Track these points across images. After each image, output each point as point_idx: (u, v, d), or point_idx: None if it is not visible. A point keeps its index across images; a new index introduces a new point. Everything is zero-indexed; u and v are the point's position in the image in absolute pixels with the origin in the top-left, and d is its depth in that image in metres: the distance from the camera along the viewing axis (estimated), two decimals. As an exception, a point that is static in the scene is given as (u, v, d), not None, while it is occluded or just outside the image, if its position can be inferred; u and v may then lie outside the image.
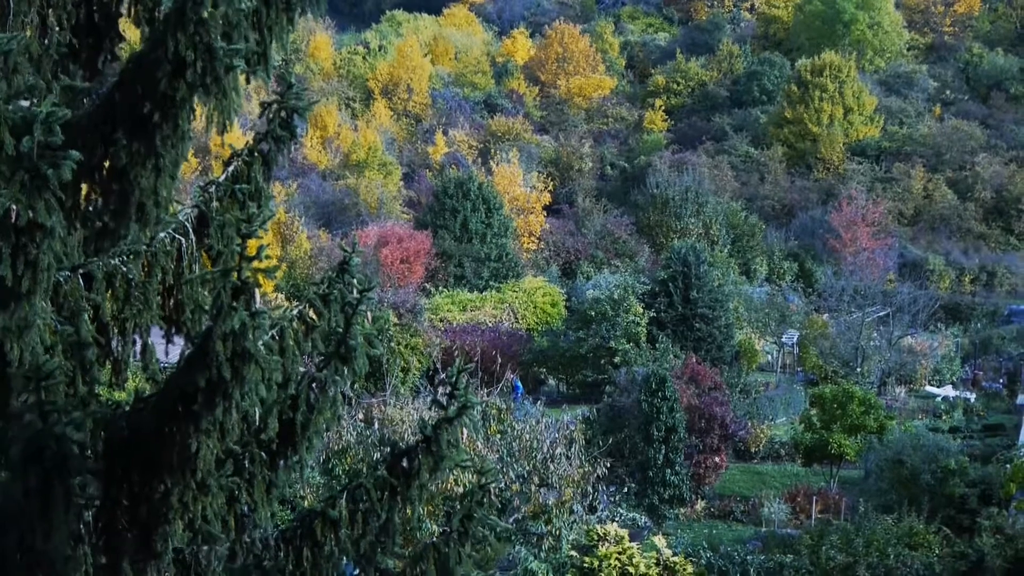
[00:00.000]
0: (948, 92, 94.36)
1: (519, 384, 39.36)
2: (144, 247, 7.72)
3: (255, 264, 6.44)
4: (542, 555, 21.81)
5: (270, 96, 8.09)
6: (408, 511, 8.10)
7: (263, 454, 7.45)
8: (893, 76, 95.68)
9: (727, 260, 60.18)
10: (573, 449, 24.17)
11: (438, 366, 33.53)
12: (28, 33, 7.39)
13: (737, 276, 58.89)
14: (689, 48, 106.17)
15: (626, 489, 28.17)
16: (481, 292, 53.73)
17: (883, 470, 28.50)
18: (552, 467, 23.33)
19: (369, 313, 7.80)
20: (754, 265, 65.36)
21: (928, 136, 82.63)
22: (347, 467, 21.66)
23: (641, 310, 43.60)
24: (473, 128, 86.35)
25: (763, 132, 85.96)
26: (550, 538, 22.52)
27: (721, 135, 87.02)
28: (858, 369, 44.70)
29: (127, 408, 7.19)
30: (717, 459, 31.39)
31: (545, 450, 23.49)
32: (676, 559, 19.76)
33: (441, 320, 48.48)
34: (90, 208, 7.21)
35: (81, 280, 7.47)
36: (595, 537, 20.08)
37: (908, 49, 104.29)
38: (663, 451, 28.79)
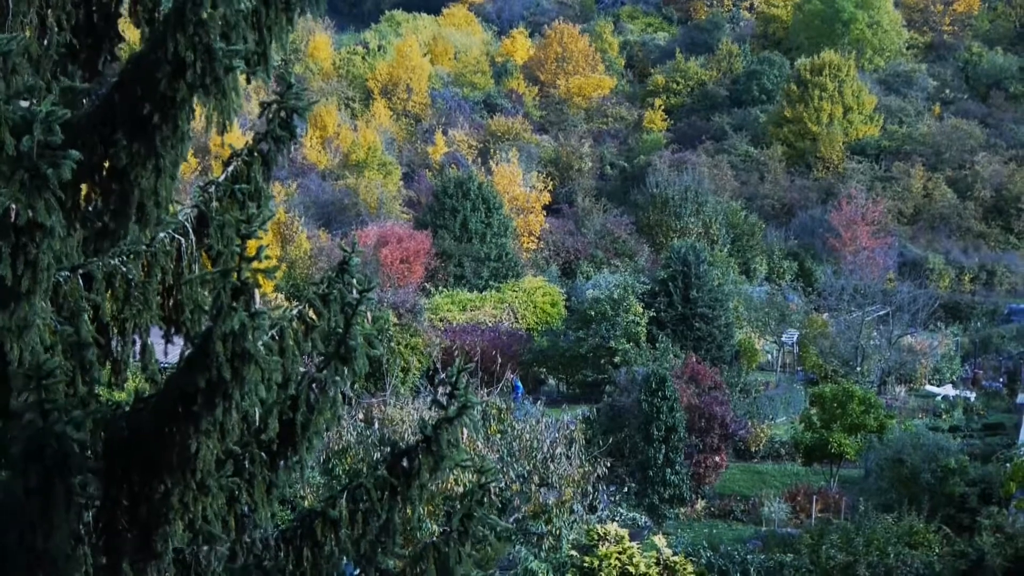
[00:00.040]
0: (947, 91, 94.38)
1: (519, 384, 39.36)
2: (144, 247, 7.73)
3: (255, 265, 6.45)
4: (542, 555, 21.81)
5: (270, 96, 8.09)
6: (408, 511, 8.10)
7: (263, 454, 7.45)
8: (892, 75, 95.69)
9: (727, 259, 60.18)
10: (573, 449, 24.16)
11: (438, 366, 33.52)
12: (27, 34, 7.39)
13: (737, 275, 58.88)
14: (688, 47, 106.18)
15: (626, 489, 28.18)
16: (481, 292, 53.73)
17: (883, 469, 28.51)
18: (552, 467, 23.33)
19: (369, 313, 7.80)
20: (754, 264, 65.37)
21: (928, 135, 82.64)
22: (347, 467, 21.65)
23: (641, 310, 43.60)
24: (473, 128, 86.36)
25: (763, 131, 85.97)
26: (550, 538, 22.51)
27: (721, 134, 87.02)
28: (858, 368, 44.70)
29: (127, 408, 7.19)
30: (717, 458, 31.39)
31: (545, 450, 23.49)
32: (676, 559, 19.75)
33: (441, 320, 48.49)
34: (90, 208, 7.22)
35: (81, 280, 7.47)
36: (595, 537, 20.07)
37: (907, 48, 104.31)
38: (663, 451, 28.80)
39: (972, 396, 44.34)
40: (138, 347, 8.07)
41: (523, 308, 51.99)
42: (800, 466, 34.08)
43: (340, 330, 7.56)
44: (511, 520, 21.36)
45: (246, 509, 7.51)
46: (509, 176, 69.28)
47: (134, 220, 7.13)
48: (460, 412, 8.03)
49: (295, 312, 7.39)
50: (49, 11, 7.56)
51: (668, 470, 28.84)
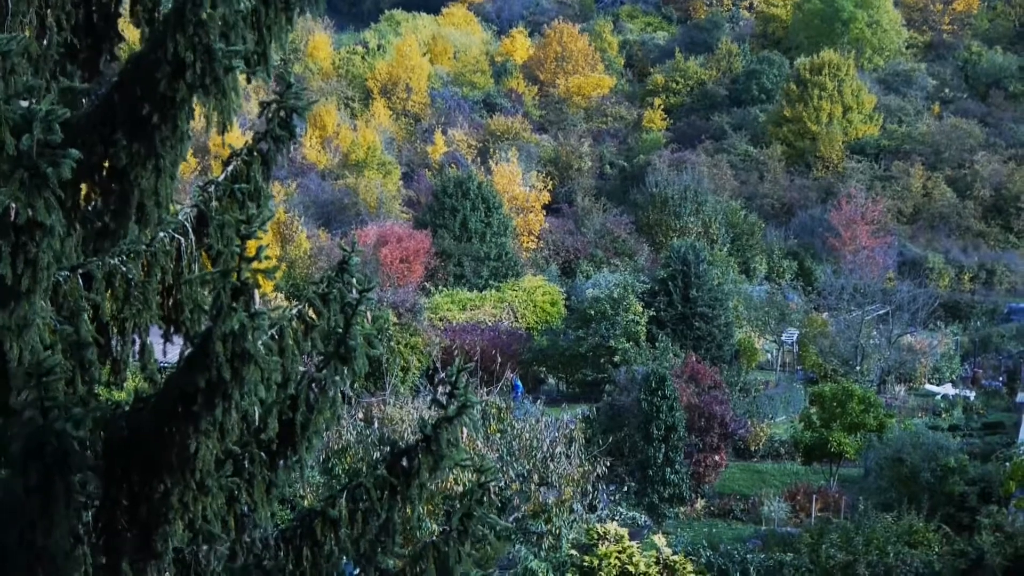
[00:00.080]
0: (947, 90, 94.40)
1: (519, 383, 39.38)
2: (144, 247, 7.73)
3: (255, 265, 6.45)
4: (542, 554, 21.82)
5: (269, 96, 8.09)
6: (408, 510, 8.10)
7: (263, 454, 7.45)
8: (892, 74, 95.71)
9: (726, 259, 60.21)
10: (573, 448, 24.17)
11: (438, 365, 33.52)
12: (27, 33, 7.39)
13: (737, 275, 58.91)
14: (688, 47, 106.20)
15: (626, 488, 28.18)
16: (481, 291, 53.75)
17: (883, 468, 28.51)
18: (552, 466, 23.33)
19: (369, 313, 7.80)
20: (753, 264, 65.39)
21: (927, 134, 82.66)
22: (347, 466, 21.66)
23: (641, 309, 43.62)
24: (472, 127, 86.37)
25: (762, 131, 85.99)
26: (550, 537, 22.51)
27: (720, 134, 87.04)
28: (858, 367, 44.70)
29: (127, 408, 7.20)
30: (717, 458, 31.40)
31: (545, 449, 23.50)
32: (676, 558, 19.75)
33: (441, 319, 48.50)
34: (90, 208, 7.22)
35: (81, 280, 7.47)
36: (595, 536, 20.07)
37: (907, 47, 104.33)
38: (663, 450, 28.80)
39: (972, 395, 44.37)
40: (137, 347, 8.07)
41: (523, 307, 52.01)
42: (800, 465, 34.09)
43: (340, 330, 7.56)
44: (511, 519, 21.37)
45: (246, 509, 7.51)
46: (509, 175, 69.32)
47: (134, 220, 7.13)
48: (460, 411, 8.03)
49: (295, 312, 7.38)
50: (48, 11, 7.56)
51: (668, 469, 28.84)
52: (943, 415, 41.19)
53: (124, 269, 7.65)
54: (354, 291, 7.70)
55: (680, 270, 45.48)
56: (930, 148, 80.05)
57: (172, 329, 8.12)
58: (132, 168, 6.91)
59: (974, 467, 28.33)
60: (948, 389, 45.42)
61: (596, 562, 19.01)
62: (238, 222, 7.60)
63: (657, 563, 19.38)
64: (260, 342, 6.44)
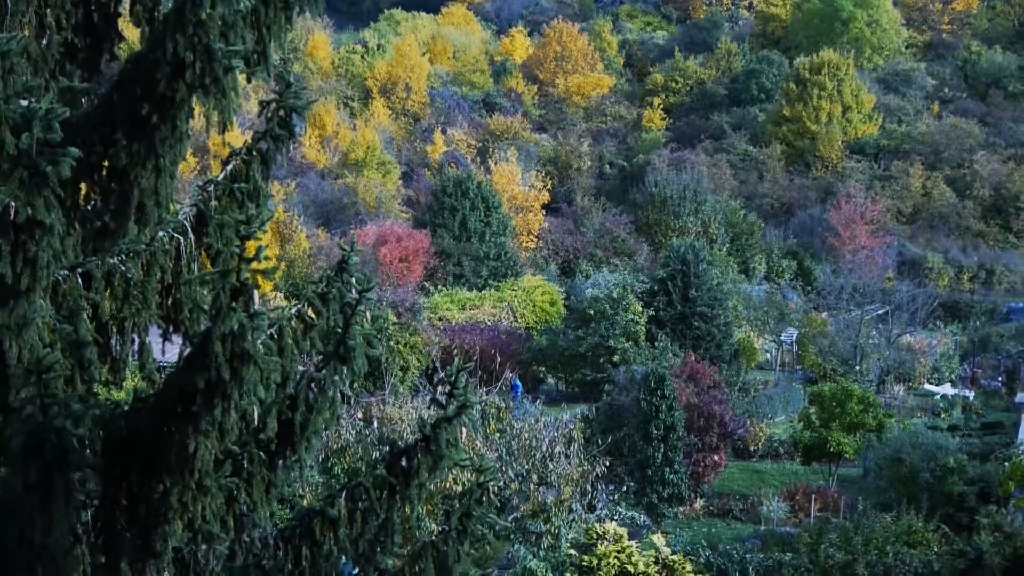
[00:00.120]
0: (946, 90, 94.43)
1: (518, 383, 39.39)
2: (143, 246, 7.73)
3: (254, 265, 6.45)
4: (541, 554, 21.82)
5: (269, 95, 8.09)
6: (407, 510, 8.10)
7: (262, 454, 7.45)
8: (891, 74, 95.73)
9: (726, 258, 60.24)
10: (572, 448, 24.17)
11: (437, 365, 33.51)
12: (26, 33, 7.39)
13: (736, 274, 58.94)
14: (687, 46, 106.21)
15: (625, 488, 28.18)
16: (480, 291, 53.75)
17: (882, 468, 28.52)
18: (551, 466, 23.33)
19: (368, 312, 7.80)
20: (753, 263, 65.40)
21: (926, 134, 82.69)
22: (346, 466, 21.65)
23: (640, 309, 43.63)
24: (472, 127, 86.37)
25: (762, 130, 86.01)
26: (549, 537, 22.51)
27: (720, 133, 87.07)
28: (857, 367, 44.71)
29: (126, 408, 7.20)
30: (716, 457, 31.40)
31: (544, 449, 23.49)
32: (675, 557, 19.76)
33: (440, 319, 48.49)
34: (89, 207, 7.22)
35: (80, 279, 7.47)
36: (594, 536, 20.07)
37: (906, 47, 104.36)
38: (662, 450, 28.80)
39: (971, 395, 44.39)
40: (136, 346, 8.07)
41: (522, 307, 52.01)
42: (799, 465, 34.09)
43: (339, 329, 7.56)
44: (510, 519, 21.37)
45: (245, 508, 7.51)
46: (508, 175, 69.31)
47: (133, 219, 7.13)
48: (459, 411, 8.03)
49: (294, 311, 7.38)
50: (48, 10, 7.55)
51: (667, 469, 28.84)
52: (942, 415, 41.21)
53: (123, 268, 7.65)
54: (353, 291, 7.69)
55: (679, 270, 45.49)
56: (929, 148, 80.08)
57: (171, 329, 8.12)
58: (132, 168, 6.91)
59: (973, 467, 28.34)
60: (947, 389, 45.44)
61: (595, 562, 19.02)
62: (237, 222, 7.59)
63: (656, 563, 19.38)
64: (259, 342, 6.44)
